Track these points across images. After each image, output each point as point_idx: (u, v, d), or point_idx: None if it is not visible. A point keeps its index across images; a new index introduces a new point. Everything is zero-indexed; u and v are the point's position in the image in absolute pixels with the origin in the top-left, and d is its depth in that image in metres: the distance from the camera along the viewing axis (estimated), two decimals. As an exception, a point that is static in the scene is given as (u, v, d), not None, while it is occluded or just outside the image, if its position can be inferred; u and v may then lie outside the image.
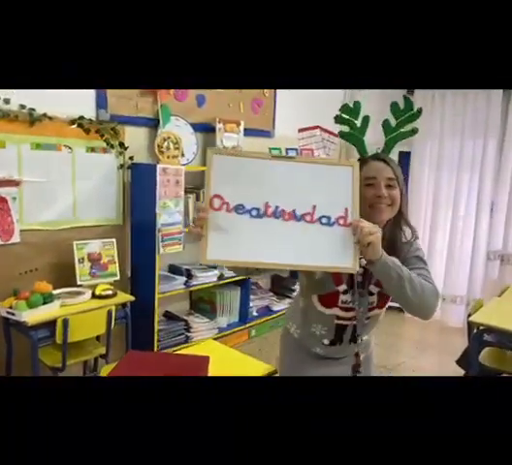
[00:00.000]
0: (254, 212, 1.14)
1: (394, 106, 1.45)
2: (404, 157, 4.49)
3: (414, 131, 1.44)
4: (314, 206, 1.15)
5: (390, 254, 1.19)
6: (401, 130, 1.43)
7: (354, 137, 1.45)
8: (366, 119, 1.44)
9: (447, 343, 3.82)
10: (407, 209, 1.36)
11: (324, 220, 1.15)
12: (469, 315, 2.54)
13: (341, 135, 1.47)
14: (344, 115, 1.43)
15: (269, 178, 1.16)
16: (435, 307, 1.26)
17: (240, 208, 1.13)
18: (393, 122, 1.44)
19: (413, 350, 3.72)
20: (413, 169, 4.44)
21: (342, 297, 1.36)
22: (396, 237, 1.32)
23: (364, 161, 1.35)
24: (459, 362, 2.99)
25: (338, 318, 1.39)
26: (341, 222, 1.15)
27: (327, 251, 1.14)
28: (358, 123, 1.44)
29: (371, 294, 1.37)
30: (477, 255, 4.12)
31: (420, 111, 1.42)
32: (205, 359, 1.59)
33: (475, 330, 2.51)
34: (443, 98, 4.18)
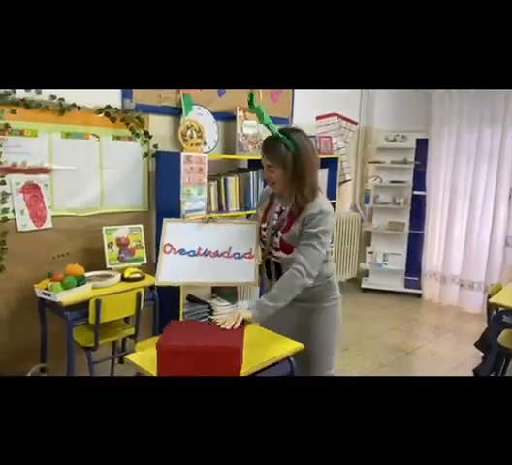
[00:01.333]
0: (191, 253, 1.82)
1: (252, 95, 1.69)
2: (422, 144, 4.50)
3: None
4: (230, 248, 1.83)
5: (293, 212, 1.73)
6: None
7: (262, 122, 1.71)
8: (260, 109, 1.70)
9: (464, 328, 3.87)
10: (298, 184, 1.69)
11: (236, 255, 1.82)
12: (489, 297, 2.58)
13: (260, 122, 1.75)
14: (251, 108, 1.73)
15: (201, 233, 1.86)
16: (302, 285, 1.67)
17: (182, 251, 1.82)
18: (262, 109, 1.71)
19: (431, 334, 3.77)
20: (431, 156, 4.45)
21: (263, 233, 1.85)
22: (293, 203, 1.73)
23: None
24: (477, 345, 3.04)
25: (263, 251, 1.85)
26: (247, 256, 1.82)
27: (238, 273, 1.79)
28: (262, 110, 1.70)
29: (276, 236, 1.77)
30: (495, 241, 4.13)
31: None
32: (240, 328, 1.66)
33: (494, 312, 2.56)
34: (462, 84, 4.16)
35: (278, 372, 1.73)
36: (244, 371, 1.55)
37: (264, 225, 1.87)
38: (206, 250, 1.83)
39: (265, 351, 1.71)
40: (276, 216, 1.81)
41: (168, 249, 1.82)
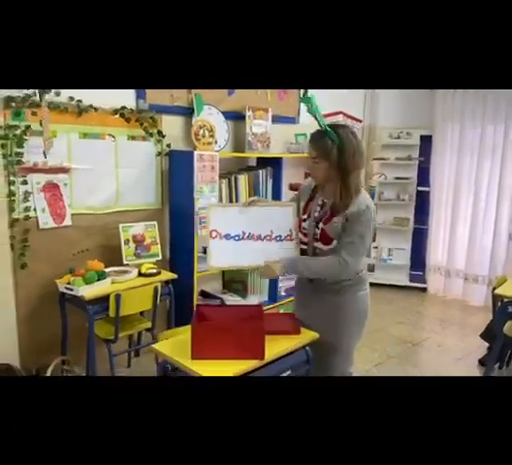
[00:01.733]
0: (236, 238, 1.95)
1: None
2: (426, 141, 4.58)
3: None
4: (271, 231, 1.94)
5: (336, 206, 1.78)
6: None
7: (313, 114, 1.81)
8: (311, 99, 1.82)
9: (469, 320, 3.96)
10: (342, 179, 1.75)
11: (278, 238, 1.95)
12: (494, 289, 2.67)
13: (308, 111, 1.84)
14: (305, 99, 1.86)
15: (243, 217, 1.96)
16: (337, 276, 1.82)
17: (227, 236, 1.94)
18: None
19: (437, 326, 3.87)
20: (435, 153, 4.53)
21: (303, 224, 1.93)
22: (336, 197, 1.79)
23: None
24: (483, 336, 3.14)
25: (302, 243, 1.94)
26: (288, 238, 1.95)
27: (281, 255, 1.88)
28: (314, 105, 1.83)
29: (318, 227, 1.85)
30: (498, 235, 4.22)
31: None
32: (259, 307, 1.85)
33: (500, 304, 2.64)
34: (465, 82, 4.24)
35: (295, 360, 1.83)
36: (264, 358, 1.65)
37: (304, 216, 1.93)
38: (249, 234, 1.95)
39: (283, 340, 1.80)
40: (318, 209, 1.88)
41: (214, 234, 1.94)
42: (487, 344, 3.11)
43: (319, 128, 1.77)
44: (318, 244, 1.87)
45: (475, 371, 3.01)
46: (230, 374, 1.55)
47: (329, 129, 1.75)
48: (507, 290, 2.60)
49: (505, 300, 2.58)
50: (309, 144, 1.81)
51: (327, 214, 1.83)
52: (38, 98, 2.42)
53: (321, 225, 1.84)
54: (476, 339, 3.24)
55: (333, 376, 1.98)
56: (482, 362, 3.07)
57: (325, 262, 1.79)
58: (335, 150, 1.73)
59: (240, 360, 1.63)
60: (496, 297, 2.73)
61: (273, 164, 3.56)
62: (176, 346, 1.75)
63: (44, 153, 2.47)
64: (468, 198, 4.41)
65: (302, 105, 4.00)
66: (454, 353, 3.33)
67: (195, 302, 3.08)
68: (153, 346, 1.76)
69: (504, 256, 4.22)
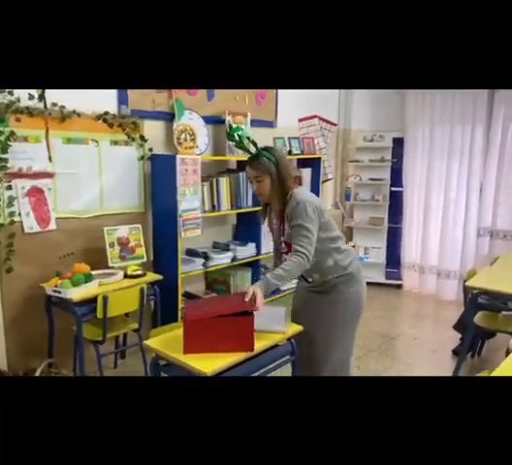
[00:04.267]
0: None
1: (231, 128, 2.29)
2: (398, 143, 4.76)
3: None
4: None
5: (283, 213, 2.02)
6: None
7: (241, 146, 2.13)
8: (241, 137, 2.13)
9: (442, 314, 4.14)
10: (283, 186, 2.00)
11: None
12: (465, 281, 2.83)
13: (235, 145, 2.16)
14: (230, 137, 2.18)
15: None
16: (305, 268, 1.93)
17: None
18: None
19: (412, 321, 4.03)
20: (407, 154, 4.72)
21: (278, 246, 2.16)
22: (283, 205, 2.02)
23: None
24: (455, 327, 3.30)
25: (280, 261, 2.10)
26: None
27: (270, 321, 1.97)
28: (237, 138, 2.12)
29: (281, 242, 2.10)
30: (468, 232, 4.43)
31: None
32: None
33: (470, 295, 2.80)
34: (433, 86, 4.44)
35: (281, 352, 1.94)
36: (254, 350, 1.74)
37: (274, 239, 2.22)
38: None
39: (270, 333, 1.90)
40: (276, 231, 2.16)
41: None
42: (460, 335, 3.27)
43: (250, 155, 2.05)
44: (288, 255, 2.03)
45: (449, 361, 3.17)
46: (222, 365, 1.63)
47: (263, 151, 2.01)
48: (477, 282, 2.76)
49: (475, 292, 2.73)
50: (249, 168, 2.03)
51: (281, 227, 2.09)
52: (22, 104, 2.46)
53: (282, 238, 2.10)
54: (449, 331, 3.40)
55: (331, 376, 2.11)
56: (455, 352, 3.23)
57: (289, 263, 1.91)
58: (272, 165, 1.99)
59: (230, 353, 1.71)
60: (466, 290, 2.88)
61: (253, 167, 3.66)
62: (166, 342, 1.82)
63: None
64: (439, 197, 4.61)
65: (277, 109, 4.13)
66: (429, 344, 3.49)
67: (180, 304, 3.14)
68: (146, 342, 1.83)
69: (474, 251, 4.43)
